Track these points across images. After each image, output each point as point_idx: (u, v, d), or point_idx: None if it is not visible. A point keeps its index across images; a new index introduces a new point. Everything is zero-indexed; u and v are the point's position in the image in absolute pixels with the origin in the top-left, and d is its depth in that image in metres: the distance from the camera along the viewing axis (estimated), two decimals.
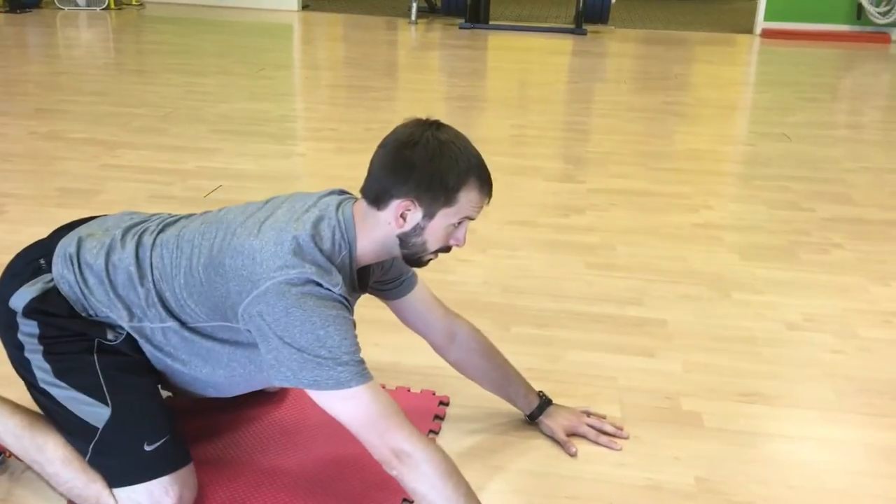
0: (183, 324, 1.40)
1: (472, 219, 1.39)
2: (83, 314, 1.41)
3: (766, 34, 7.99)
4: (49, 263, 1.43)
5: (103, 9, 8.09)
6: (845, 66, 6.77)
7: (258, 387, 1.53)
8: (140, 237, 1.43)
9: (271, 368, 1.28)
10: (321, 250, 1.31)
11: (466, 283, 2.38)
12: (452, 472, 1.29)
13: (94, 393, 1.37)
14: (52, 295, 1.40)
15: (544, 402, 1.72)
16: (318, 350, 1.25)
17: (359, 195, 1.41)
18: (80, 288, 1.40)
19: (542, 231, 2.82)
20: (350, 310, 1.35)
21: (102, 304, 1.40)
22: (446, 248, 1.41)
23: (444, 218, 1.36)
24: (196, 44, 6.61)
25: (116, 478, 1.37)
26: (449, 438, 1.68)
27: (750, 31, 8.23)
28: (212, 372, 1.43)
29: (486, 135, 4.10)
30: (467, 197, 1.35)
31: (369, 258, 1.41)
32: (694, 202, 3.17)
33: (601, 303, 2.32)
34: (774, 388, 1.92)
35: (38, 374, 1.39)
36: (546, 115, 4.62)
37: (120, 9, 8.29)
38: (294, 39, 7.40)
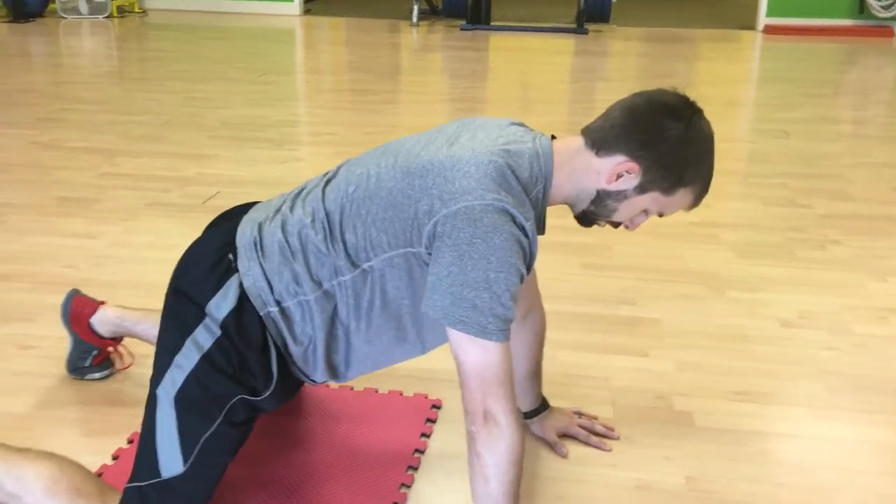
0: (362, 272, 1.30)
1: (663, 216, 1.35)
2: (267, 311, 1.33)
3: (769, 30, 7.96)
4: (235, 257, 1.35)
5: (106, 17, 8.13)
6: (848, 60, 6.74)
7: (385, 365, 1.47)
8: (306, 197, 1.37)
9: (429, 289, 1.22)
10: (519, 179, 1.24)
11: None
12: (519, 463, 1.25)
13: (185, 446, 1.31)
14: (246, 310, 1.32)
15: (542, 406, 1.72)
16: (481, 291, 1.18)
17: (550, 133, 1.32)
18: (265, 278, 1.33)
19: None
20: (533, 253, 1.27)
21: (287, 285, 1.32)
22: (618, 225, 1.37)
23: (650, 201, 1.29)
24: (197, 50, 6.64)
25: None
26: (441, 441, 1.69)
27: (752, 27, 8.21)
28: (378, 332, 1.37)
29: None
30: (683, 197, 1.29)
31: (560, 199, 1.33)
32: None
33: (595, 303, 2.32)
34: (766, 385, 1.91)
35: (167, 381, 1.33)
36: (547, 115, 4.62)
37: (123, 17, 8.33)
38: (296, 44, 7.42)
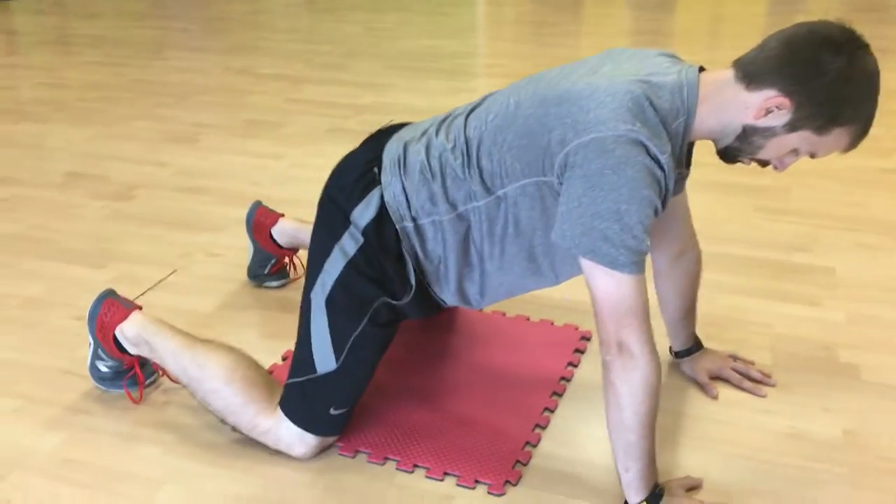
0: (496, 198, 1.33)
1: (815, 157, 1.27)
2: (404, 224, 1.38)
3: None
4: (380, 171, 1.41)
5: None
6: None
7: (519, 293, 1.49)
8: (451, 124, 1.40)
9: (559, 220, 1.22)
10: (657, 110, 1.21)
11: None
12: (655, 393, 1.24)
13: (337, 343, 1.41)
14: (385, 219, 1.38)
15: (695, 346, 1.69)
16: (611, 222, 1.17)
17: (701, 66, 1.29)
18: (404, 191, 1.37)
19: (710, 171, 2.70)
20: (666, 189, 1.24)
21: (428, 200, 1.36)
22: (766, 163, 1.30)
23: (801, 140, 1.22)
24: None
25: (292, 411, 1.44)
26: (587, 372, 1.70)
27: None
28: (511, 261, 1.39)
29: None
30: (837, 138, 1.22)
31: (704, 133, 1.28)
32: (884, 145, 2.92)
33: (765, 248, 2.22)
34: None
35: (318, 286, 1.42)
36: (737, 50, 4.30)
37: None
38: None
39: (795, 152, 1.26)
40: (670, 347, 1.71)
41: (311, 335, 1.43)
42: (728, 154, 1.31)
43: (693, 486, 1.39)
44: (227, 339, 1.77)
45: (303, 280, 1.57)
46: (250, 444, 1.49)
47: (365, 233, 1.39)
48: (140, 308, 1.63)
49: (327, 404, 1.45)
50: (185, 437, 1.54)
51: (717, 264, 2.13)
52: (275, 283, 2.05)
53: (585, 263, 1.22)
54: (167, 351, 1.53)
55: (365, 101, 3.53)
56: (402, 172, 1.39)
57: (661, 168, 1.21)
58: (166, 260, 2.19)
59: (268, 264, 2.03)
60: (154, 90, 3.75)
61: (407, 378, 1.68)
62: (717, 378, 1.66)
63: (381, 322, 1.44)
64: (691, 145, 1.35)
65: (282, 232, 2.01)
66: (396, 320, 1.47)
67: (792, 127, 1.21)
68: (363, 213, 1.40)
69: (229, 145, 3.04)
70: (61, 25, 5.32)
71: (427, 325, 1.83)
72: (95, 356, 1.63)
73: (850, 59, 1.17)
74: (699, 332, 1.74)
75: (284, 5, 5.80)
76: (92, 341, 1.62)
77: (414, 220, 1.39)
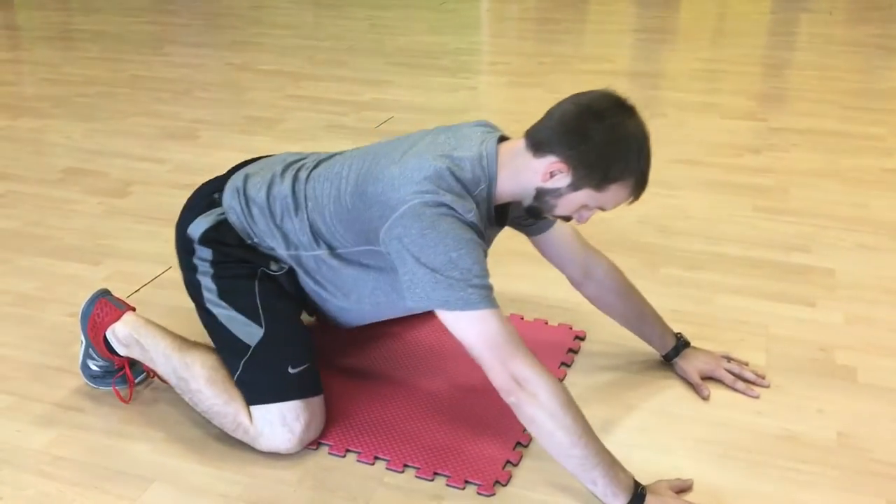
0: (333, 250, 1.47)
1: (605, 211, 1.40)
2: (249, 242, 1.53)
3: None
4: (221, 197, 1.56)
5: None
6: None
7: (396, 315, 1.61)
8: (297, 172, 1.52)
9: (406, 290, 1.33)
10: (458, 180, 1.34)
11: (620, 221, 2.33)
12: (571, 403, 1.29)
13: (251, 314, 1.48)
14: (224, 226, 1.53)
15: (681, 344, 1.68)
16: (450, 271, 1.28)
17: (505, 128, 1.42)
18: (245, 218, 1.52)
19: (708, 171, 2.70)
20: (483, 239, 1.38)
21: (265, 234, 1.51)
22: (567, 219, 1.44)
23: (585, 197, 1.36)
24: None
25: (258, 395, 1.46)
26: (581, 372, 1.69)
27: None
28: (358, 300, 1.52)
29: (666, 69, 3.94)
30: (616, 193, 1.35)
31: (506, 196, 1.42)
32: (887, 145, 2.91)
33: (763, 248, 2.20)
34: None
35: (206, 294, 1.52)
36: (738, 48, 4.35)
37: None
38: None
39: (586, 207, 1.38)
40: (659, 354, 1.70)
41: (227, 326, 1.49)
42: (532, 212, 1.44)
43: (683, 488, 1.38)
44: None
45: None
46: (239, 443, 1.49)
47: (202, 240, 1.53)
48: (133, 309, 1.63)
49: (282, 366, 1.47)
50: (175, 435, 1.53)
51: (714, 264, 2.12)
52: None
53: (445, 317, 1.31)
54: (158, 352, 1.54)
55: (365, 98, 3.52)
56: (242, 200, 1.53)
57: (470, 225, 1.33)
58: (162, 257, 2.18)
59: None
60: (154, 86, 3.75)
61: (397, 378, 1.67)
62: (709, 378, 1.65)
63: (275, 280, 1.53)
64: (503, 207, 1.47)
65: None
66: (285, 284, 1.55)
67: (574, 187, 1.35)
68: (199, 226, 1.53)
69: (228, 141, 3.04)
70: (63, 21, 5.32)
71: (417, 325, 1.83)
72: (87, 355, 1.63)
73: (612, 125, 1.31)
74: (695, 333, 1.73)
75: (287, 1, 5.80)
76: (84, 339, 1.63)
77: (258, 241, 1.53)
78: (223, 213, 1.54)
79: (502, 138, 1.43)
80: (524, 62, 4.08)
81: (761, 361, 1.72)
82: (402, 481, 1.42)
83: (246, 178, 1.56)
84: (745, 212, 2.42)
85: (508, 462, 1.45)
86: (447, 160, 1.35)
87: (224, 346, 1.51)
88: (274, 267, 1.53)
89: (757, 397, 1.61)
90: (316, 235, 1.48)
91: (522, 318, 1.86)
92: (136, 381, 1.64)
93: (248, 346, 1.47)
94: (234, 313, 1.49)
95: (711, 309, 1.92)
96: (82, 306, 1.63)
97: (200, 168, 2.78)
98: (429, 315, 1.84)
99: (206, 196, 1.59)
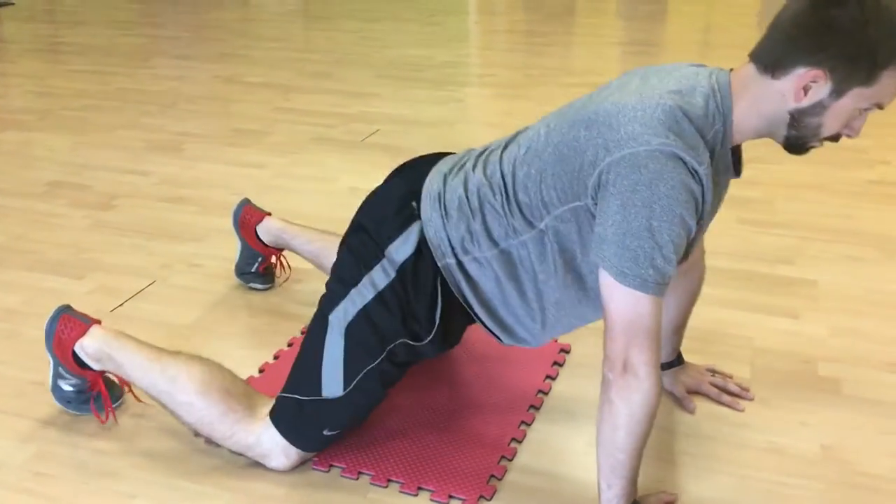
0: (539, 232, 1.30)
1: (883, 107, 1.18)
2: (445, 261, 1.37)
3: None
4: (419, 205, 1.40)
5: None
6: None
7: (570, 329, 1.46)
8: (487, 158, 1.38)
9: (594, 241, 1.20)
10: (691, 120, 1.17)
11: None
12: (651, 419, 1.22)
13: (348, 374, 1.39)
14: (424, 258, 1.37)
15: (677, 360, 1.68)
16: (643, 240, 1.14)
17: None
18: (445, 228, 1.36)
19: None
20: (705, 201, 1.21)
21: (467, 238, 1.35)
22: (836, 137, 1.22)
23: (856, 98, 1.15)
24: None
25: (284, 426, 1.42)
26: (566, 385, 1.69)
27: None
28: (564, 292, 1.35)
29: None
30: (892, 79, 1.14)
31: (748, 134, 1.24)
32: (872, 157, 2.93)
33: (748, 260, 2.21)
34: None
35: (340, 310, 1.40)
36: (724, 61, 4.35)
37: None
38: None
39: (857, 111, 1.18)
40: None
41: (324, 357, 1.41)
42: (793, 145, 1.25)
43: (669, 502, 1.37)
44: (205, 351, 1.76)
45: (288, 285, 1.56)
46: (222, 458, 1.47)
47: (401, 269, 1.37)
48: (99, 322, 1.59)
49: (322, 426, 1.43)
50: (157, 450, 1.52)
51: None
52: (260, 286, 2.05)
53: (607, 279, 1.18)
54: (134, 365, 1.50)
55: (352, 111, 3.52)
56: (441, 208, 1.37)
57: (699, 181, 1.17)
58: (146, 270, 2.17)
59: (255, 262, 2.04)
60: (140, 98, 3.74)
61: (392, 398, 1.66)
62: (695, 392, 1.65)
63: (397, 361, 1.42)
64: (738, 149, 1.30)
65: (267, 230, 2.02)
66: (412, 362, 1.46)
67: (839, 92, 1.16)
68: (400, 249, 1.37)
69: (214, 154, 3.03)
70: (50, 33, 5.31)
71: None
72: (57, 375, 1.58)
73: (857, 3, 1.11)
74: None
75: (276, 14, 5.80)
76: (51, 360, 1.57)
77: (456, 256, 1.36)
78: (421, 229, 1.37)
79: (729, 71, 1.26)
80: (511, 75, 4.09)
81: (746, 374, 1.72)
82: (386, 496, 1.41)
83: (444, 180, 1.40)
84: (731, 224, 2.42)
85: (493, 476, 1.44)
86: (676, 96, 1.17)
87: (306, 366, 1.43)
88: (424, 336, 1.39)
89: (742, 410, 1.61)
90: (515, 212, 1.31)
91: None
92: (116, 404, 1.61)
93: (319, 393, 1.41)
94: (340, 355, 1.39)
95: (697, 321, 1.91)
96: (45, 325, 1.57)
97: (186, 181, 2.77)
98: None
99: (405, 203, 1.41)
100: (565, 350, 1.80)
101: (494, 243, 1.34)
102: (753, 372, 1.73)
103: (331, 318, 1.41)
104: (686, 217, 1.16)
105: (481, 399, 1.63)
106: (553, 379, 1.71)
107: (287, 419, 1.43)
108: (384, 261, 1.38)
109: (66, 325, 1.55)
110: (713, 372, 1.69)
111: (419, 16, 5.60)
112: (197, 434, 1.49)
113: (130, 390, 1.61)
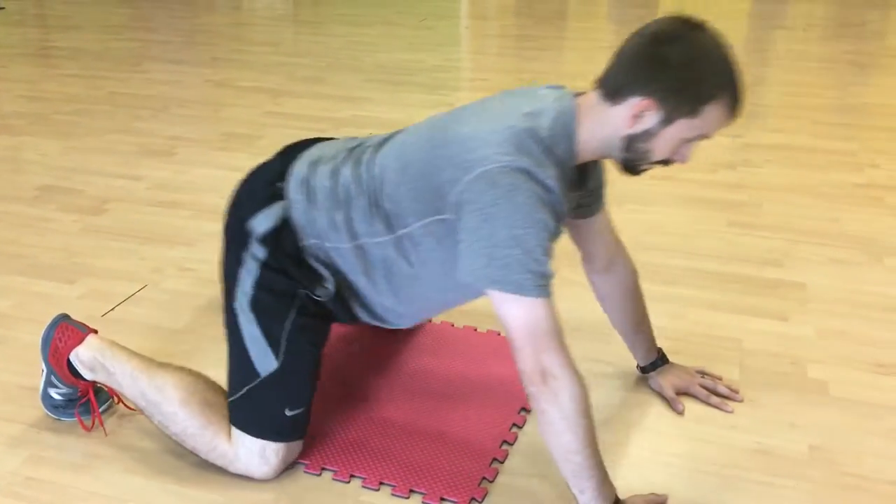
0: (395, 232, 1.37)
1: (708, 137, 1.29)
2: (307, 242, 1.43)
3: None
4: (285, 187, 1.45)
5: None
6: None
7: (443, 310, 1.56)
8: (360, 156, 1.43)
9: (461, 259, 1.26)
10: (537, 141, 1.26)
11: None
12: (588, 411, 1.25)
13: (273, 343, 1.42)
14: (286, 229, 1.43)
15: (660, 359, 1.69)
16: (511, 248, 1.20)
17: (591, 87, 1.34)
18: (309, 212, 1.42)
19: (684, 186, 2.73)
20: (559, 211, 1.29)
21: (327, 229, 1.41)
22: (667, 162, 1.32)
23: (682, 129, 1.26)
24: None
25: (247, 424, 1.43)
26: None
27: None
28: (411, 299, 1.45)
29: None
30: (714, 112, 1.25)
31: (589, 154, 1.33)
32: (859, 160, 2.95)
33: (737, 262, 2.23)
34: None
35: (239, 295, 1.45)
36: None
37: None
38: None
39: (686, 140, 1.28)
40: (637, 364, 1.72)
41: (245, 342, 1.44)
42: (627, 167, 1.35)
43: (658, 503, 1.38)
44: (196, 355, 1.77)
45: None
46: (212, 464, 1.48)
47: (263, 239, 1.43)
48: (96, 332, 1.59)
49: (280, 406, 1.43)
50: (147, 456, 1.52)
51: (688, 279, 2.14)
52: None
53: (493, 295, 1.24)
54: (125, 374, 1.50)
55: (343, 115, 3.53)
56: (306, 193, 1.43)
57: (550, 191, 1.25)
58: (137, 275, 2.17)
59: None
60: (132, 103, 3.74)
61: (372, 395, 1.67)
62: (684, 394, 1.67)
63: (311, 312, 1.45)
64: (585, 166, 1.39)
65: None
66: (327, 314, 1.49)
67: (667, 121, 1.26)
68: (261, 223, 1.43)
69: (205, 158, 3.04)
70: (41, 38, 5.30)
71: (393, 340, 1.83)
72: (48, 383, 1.58)
73: (687, 42, 1.23)
74: (669, 348, 1.75)
75: (267, 18, 5.81)
76: (45, 368, 1.58)
77: (319, 239, 1.43)
78: (287, 208, 1.43)
79: (577, 94, 1.35)
80: (503, 78, 4.11)
81: (735, 376, 1.74)
82: (379, 499, 1.42)
83: (312, 167, 1.45)
84: (719, 227, 2.44)
85: (484, 479, 1.45)
86: (525, 120, 1.26)
87: (235, 360, 1.46)
88: (320, 292, 1.45)
89: (731, 412, 1.63)
90: (379, 216, 1.38)
91: (499, 335, 1.87)
92: (102, 408, 1.61)
93: (257, 375, 1.43)
94: (257, 331, 1.43)
95: (686, 324, 1.94)
96: (42, 333, 1.57)
97: (178, 186, 2.78)
98: (404, 333, 1.85)
99: (269, 184, 1.47)
100: None
101: (353, 237, 1.41)
102: (742, 373, 1.74)
103: (235, 305, 1.45)
104: (547, 221, 1.24)
105: (473, 402, 1.64)
106: None
107: (245, 416, 1.44)
108: (252, 237, 1.44)
109: (63, 334, 1.56)
110: (703, 373, 1.71)
111: (410, 20, 5.61)
112: (182, 445, 1.49)
113: (120, 400, 1.62)
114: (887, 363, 1.78)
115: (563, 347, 1.24)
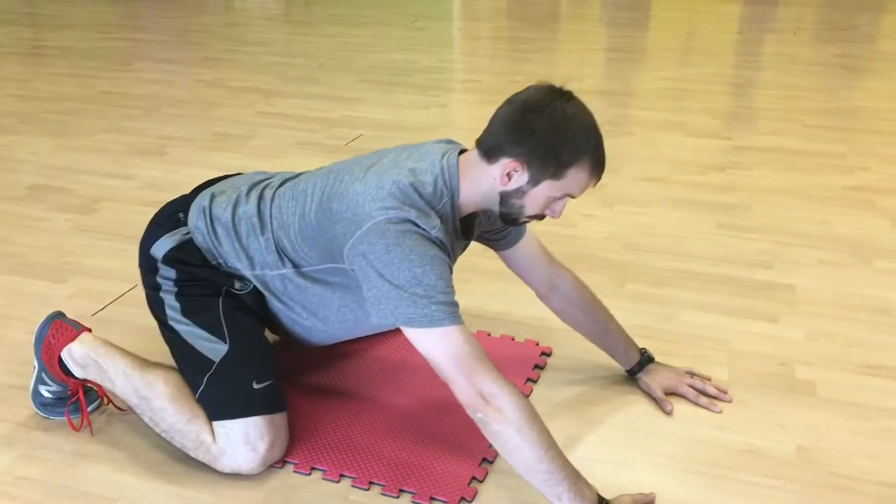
0: (298, 269, 1.48)
1: (574, 197, 1.39)
2: (214, 262, 1.53)
3: None
4: (186, 216, 1.57)
5: None
6: None
7: (363, 334, 1.63)
8: (262, 192, 1.53)
9: (371, 307, 1.33)
10: (421, 195, 1.35)
11: (587, 238, 2.36)
12: (536, 418, 1.29)
13: (215, 330, 1.49)
14: (188, 246, 1.54)
15: (645, 359, 1.70)
16: (414, 287, 1.29)
17: (472, 145, 1.43)
18: (210, 238, 1.52)
19: (675, 188, 2.74)
20: (449, 254, 1.39)
21: (229, 255, 1.52)
22: (541, 217, 1.42)
23: (548, 189, 1.36)
24: None
25: (221, 410, 1.45)
26: (546, 388, 1.71)
27: None
28: (325, 319, 1.53)
29: (634, 87, 3.99)
30: (576, 175, 1.35)
31: (471, 207, 1.43)
32: (849, 163, 2.97)
33: (727, 264, 2.24)
34: None
35: (169, 311, 1.53)
36: (704, 67, 4.42)
37: None
38: None
39: (554, 199, 1.38)
40: (624, 368, 1.73)
41: (190, 343, 1.50)
42: (505, 218, 1.44)
43: (646, 503, 1.39)
44: None
45: None
46: (201, 462, 1.48)
47: (166, 259, 1.54)
48: (89, 330, 1.60)
49: (246, 381, 1.46)
50: (138, 455, 1.52)
51: (679, 281, 2.15)
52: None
53: (410, 334, 1.31)
54: (118, 371, 1.51)
55: (335, 115, 3.53)
56: (207, 221, 1.54)
57: (434, 241, 1.34)
58: (127, 274, 2.17)
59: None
60: (123, 102, 3.73)
61: (362, 395, 1.68)
62: (673, 394, 1.67)
63: (237, 297, 1.53)
64: (472, 219, 1.50)
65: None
66: (249, 302, 1.55)
67: (534, 182, 1.36)
68: (162, 247, 1.55)
69: (197, 158, 3.03)
70: (33, 37, 5.28)
71: (381, 342, 1.83)
72: (39, 380, 1.59)
73: (552, 112, 1.33)
74: (658, 349, 1.76)
75: (259, 18, 5.80)
76: (37, 364, 1.59)
77: (223, 263, 1.54)
78: (188, 234, 1.54)
79: (462, 152, 1.44)
80: (495, 80, 4.12)
81: (724, 376, 1.75)
82: (368, 498, 1.42)
83: (212, 197, 1.57)
84: (709, 229, 2.46)
85: (474, 478, 1.46)
86: (410, 175, 1.36)
87: (187, 363, 1.50)
88: (238, 286, 1.53)
89: (719, 412, 1.64)
90: (281, 254, 1.48)
91: (489, 335, 1.87)
92: (90, 409, 1.61)
93: (212, 362, 1.47)
94: (197, 329, 1.50)
95: (675, 325, 1.94)
96: (36, 330, 1.59)
97: (168, 185, 2.77)
98: (392, 332, 1.85)
99: (172, 215, 1.59)
100: (546, 353, 1.81)
101: (254, 266, 1.52)
102: (731, 374, 1.75)
103: (170, 323, 1.53)
104: (440, 255, 1.33)
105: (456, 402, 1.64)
106: (534, 382, 1.72)
107: (217, 403, 1.46)
108: (158, 262, 1.54)
109: (56, 331, 1.57)
110: (692, 374, 1.72)
111: (403, 21, 5.62)
112: (172, 443, 1.49)
113: (110, 401, 1.62)
114: (875, 364, 1.79)
115: (490, 367, 1.31)
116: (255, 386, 1.46)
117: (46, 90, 3.94)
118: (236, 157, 3.04)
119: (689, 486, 1.45)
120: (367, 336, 1.83)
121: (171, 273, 1.53)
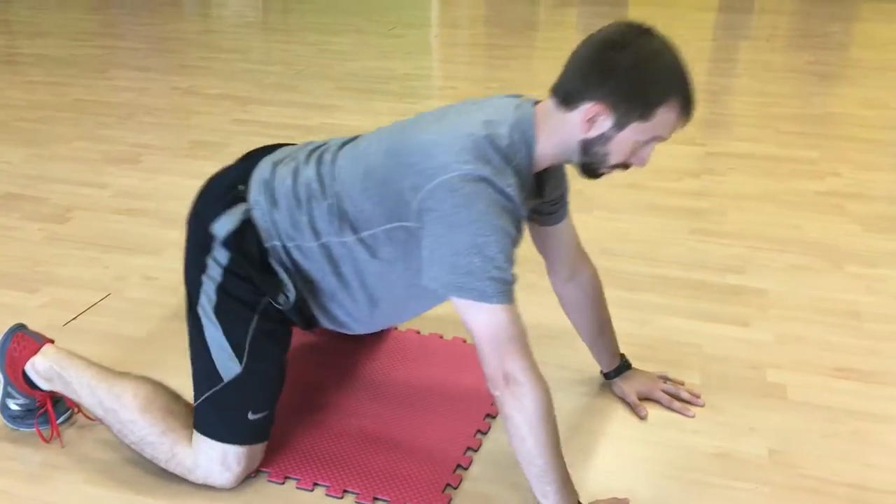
0: (358, 234, 1.38)
1: (664, 139, 1.31)
2: (268, 245, 1.43)
3: None
4: (246, 188, 1.45)
5: None
6: None
7: (404, 320, 1.59)
8: (321, 156, 1.44)
9: (425, 265, 1.27)
10: (497, 149, 1.28)
11: None
12: (550, 416, 1.27)
13: (236, 348, 1.42)
14: (248, 229, 1.43)
15: (623, 365, 1.71)
16: (472, 256, 1.22)
17: (539, 98, 1.37)
18: (270, 213, 1.42)
19: (649, 194, 2.76)
20: (519, 217, 1.31)
21: (290, 229, 1.42)
22: (626, 165, 1.34)
23: (635, 132, 1.28)
24: (336, 2, 6.79)
25: (209, 428, 1.43)
26: None
27: None
28: (376, 301, 1.46)
29: None
30: (665, 116, 1.26)
31: (548, 160, 1.35)
32: (820, 168, 3.00)
33: (699, 269, 2.26)
34: (872, 364, 1.82)
35: (203, 298, 1.45)
36: None
37: None
38: None
39: (640, 143, 1.30)
40: (600, 370, 1.73)
41: (209, 346, 1.44)
42: (586, 171, 1.36)
43: None
44: (159, 364, 1.75)
45: None
46: (172, 474, 1.47)
47: (225, 244, 1.43)
48: (52, 342, 1.57)
49: (243, 410, 1.43)
50: (107, 467, 1.51)
51: (652, 286, 2.16)
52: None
53: (457, 303, 1.26)
54: (82, 383, 1.49)
55: (313, 123, 3.53)
56: (269, 194, 1.44)
57: (509, 199, 1.27)
58: (101, 283, 2.15)
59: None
60: (97, 110, 3.71)
61: (336, 402, 1.67)
62: (646, 399, 1.68)
63: (273, 318, 1.46)
64: (543, 174, 1.41)
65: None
66: (288, 319, 1.49)
67: (620, 125, 1.27)
68: (224, 226, 1.43)
69: (172, 166, 3.02)
70: (6, 44, 5.23)
71: (359, 347, 1.83)
72: (6, 394, 1.56)
73: (636, 48, 1.25)
74: (633, 354, 1.77)
75: (236, 26, 5.79)
76: (2, 378, 1.56)
77: (282, 241, 1.44)
78: (248, 210, 1.43)
79: (536, 103, 1.36)
80: (472, 87, 4.13)
81: (696, 381, 1.76)
82: None
83: (273, 168, 1.46)
84: (683, 234, 2.47)
85: (448, 485, 1.46)
86: (485, 128, 1.28)
87: (199, 363, 1.46)
88: (282, 300, 1.44)
89: (692, 416, 1.65)
90: (343, 218, 1.39)
91: (465, 342, 1.88)
92: (60, 420, 1.59)
93: (220, 380, 1.42)
94: (220, 337, 1.43)
95: (649, 330, 1.96)
96: None
97: (143, 193, 2.76)
98: (370, 340, 1.85)
99: (231, 187, 1.47)
100: None
101: (317, 235, 1.41)
102: (703, 379, 1.77)
103: (198, 310, 1.45)
104: (507, 227, 1.26)
105: (437, 408, 1.65)
106: None
107: (208, 420, 1.43)
108: (215, 241, 1.44)
109: (18, 344, 1.54)
110: (665, 379, 1.73)
111: (380, 28, 5.62)
112: (142, 454, 1.48)
113: (79, 411, 1.60)
114: (845, 367, 1.81)
115: (526, 353, 1.26)
116: (250, 417, 1.43)
117: (20, 98, 3.90)
118: (212, 164, 2.99)
119: (663, 490, 1.46)
120: (344, 343, 1.83)
121: (225, 258, 1.43)
